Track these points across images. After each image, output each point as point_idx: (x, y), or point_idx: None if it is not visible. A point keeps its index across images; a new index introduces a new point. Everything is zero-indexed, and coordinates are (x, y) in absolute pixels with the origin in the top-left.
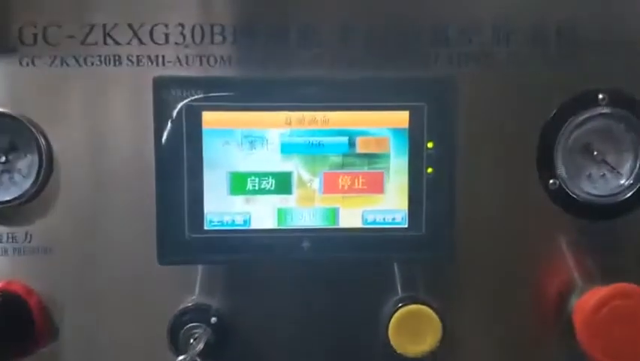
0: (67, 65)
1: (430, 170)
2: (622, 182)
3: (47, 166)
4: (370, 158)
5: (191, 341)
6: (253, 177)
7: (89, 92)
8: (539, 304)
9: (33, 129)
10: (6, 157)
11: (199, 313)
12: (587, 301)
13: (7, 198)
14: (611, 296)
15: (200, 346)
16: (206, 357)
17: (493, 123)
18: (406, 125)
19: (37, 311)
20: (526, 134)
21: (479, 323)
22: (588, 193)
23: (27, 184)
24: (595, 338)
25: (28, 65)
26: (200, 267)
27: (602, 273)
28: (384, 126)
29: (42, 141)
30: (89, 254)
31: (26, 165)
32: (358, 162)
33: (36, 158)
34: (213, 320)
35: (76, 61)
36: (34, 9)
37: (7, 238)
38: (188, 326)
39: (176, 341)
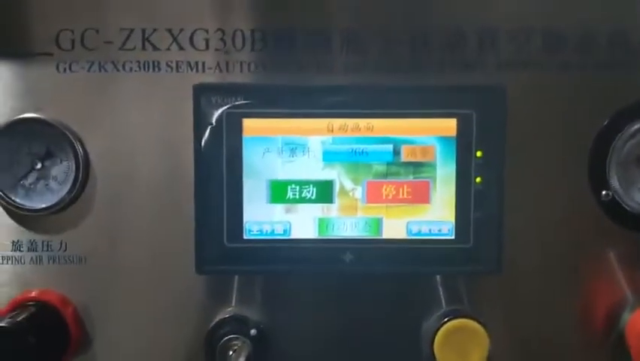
0: (105, 70)
1: (478, 180)
2: None
3: (83, 173)
4: (416, 167)
5: (230, 353)
6: (294, 186)
7: (127, 99)
8: (589, 321)
9: (70, 135)
10: (42, 163)
11: (237, 324)
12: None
13: (43, 206)
14: None
15: (242, 360)
16: None
17: (544, 133)
18: (453, 133)
19: (72, 322)
20: (577, 145)
21: (525, 338)
22: None
23: (63, 192)
24: None
25: (65, 70)
26: (236, 277)
27: None
28: (430, 135)
29: (79, 147)
30: (124, 264)
31: (62, 171)
32: (403, 171)
33: (72, 165)
34: (253, 332)
35: (115, 66)
36: (71, 13)
37: (42, 246)
38: (226, 338)
39: (214, 353)
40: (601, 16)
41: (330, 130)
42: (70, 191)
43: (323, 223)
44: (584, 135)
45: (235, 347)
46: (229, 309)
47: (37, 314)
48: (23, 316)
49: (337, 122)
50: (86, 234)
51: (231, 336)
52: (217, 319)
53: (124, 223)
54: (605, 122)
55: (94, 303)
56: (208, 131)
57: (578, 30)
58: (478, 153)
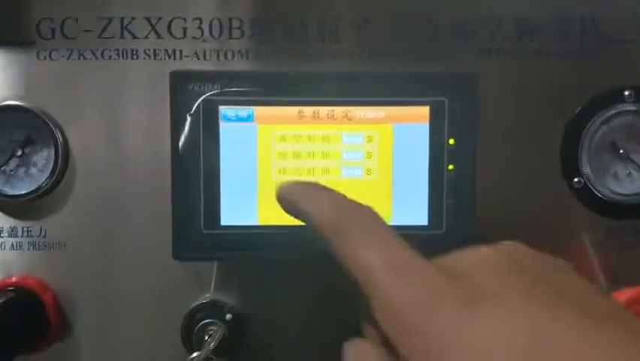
0: (85, 58)
1: (450, 167)
2: None
3: (63, 160)
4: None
5: (206, 338)
6: None
7: (106, 86)
8: None
9: (50, 123)
10: (22, 151)
11: (214, 310)
12: None
13: (23, 192)
14: (638, 299)
15: (214, 343)
16: (220, 355)
17: (516, 120)
18: (426, 121)
19: (51, 307)
20: (550, 132)
21: None
22: (614, 192)
23: (43, 178)
24: None
25: (45, 58)
26: (215, 263)
27: (627, 274)
28: (403, 122)
29: (58, 134)
30: (103, 250)
31: (42, 158)
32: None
33: (52, 152)
34: (228, 316)
35: (94, 54)
36: (52, 3)
37: (22, 232)
38: (202, 323)
39: (190, 338)
40: (574, 3)
41: (302, 117)
42: (50, 177)
43: None
44: (556, 122)
45: (211, 332)
46: (207, 295)
47: (15, 299)
48: (1, 300)
49: (310, 109)
50: (65, 220)
51: (207, 321)
52: (194, 305)
53: (103, 209)
54: (577, 110)
55: (73, 289)
56: (185, 118)
57: (551, 18)
58: (451, 141)
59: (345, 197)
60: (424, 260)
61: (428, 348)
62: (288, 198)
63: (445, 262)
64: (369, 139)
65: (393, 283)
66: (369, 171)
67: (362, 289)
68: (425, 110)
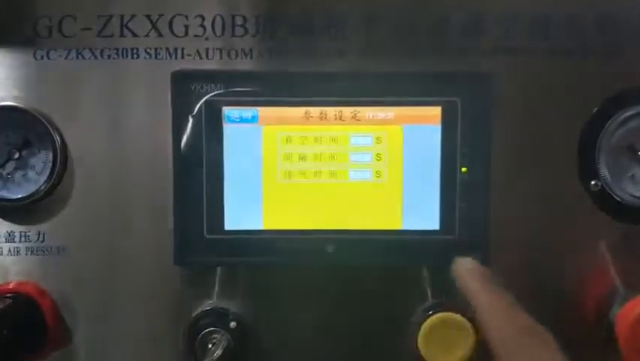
0: (83, 57)
1: (463, 170)
2: None
3: (62, 163)
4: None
5: (209, 346)
6: None
7: (106, 86)
8: (578, 314)
9: (47, 125)
10: (19, 153)
11: (217, 317)
12: (630, 310)
13: (20, 196)
14: None
15: (219, 352)
16: None
17: (531, 121)
18: (437, 122)
19: (49, 313)
20: (566, 133)
21: None
22: (632, 195)
23: (41, 181)
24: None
25: (42, 58)
26: (219, 269)
27: None
28: (414, 123)
29: (56, 137)
30: (103, 255)
31: (40, 161)
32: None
33: (50, 154)
34: (232, 324)
35: (93, 53)
36: (49, 0)
37: (20, 237)
38: (206, 330)
39: (193, 346)
40: (589, 1)
41: (308, 118)
42: (48, 181)
43: None
44: (572, 124)
45: (214, 340)
46: (210, 302)
47: (13, 306)
48: None
49: (317, 110)
50: (64, 224)
51: (211, 329)
52: (197, 311)
53: (103, 213)
54: (594, 110)
55: (72, 295)
56: (187, 120)
57: (566, 16)
58: (463, 142)
59: (525, 318)
60: None
61: None
62: (471, 296)
63: None
64: (378, 140)
65: None
66: (378, 174)
67: None
68: (437, 111)
